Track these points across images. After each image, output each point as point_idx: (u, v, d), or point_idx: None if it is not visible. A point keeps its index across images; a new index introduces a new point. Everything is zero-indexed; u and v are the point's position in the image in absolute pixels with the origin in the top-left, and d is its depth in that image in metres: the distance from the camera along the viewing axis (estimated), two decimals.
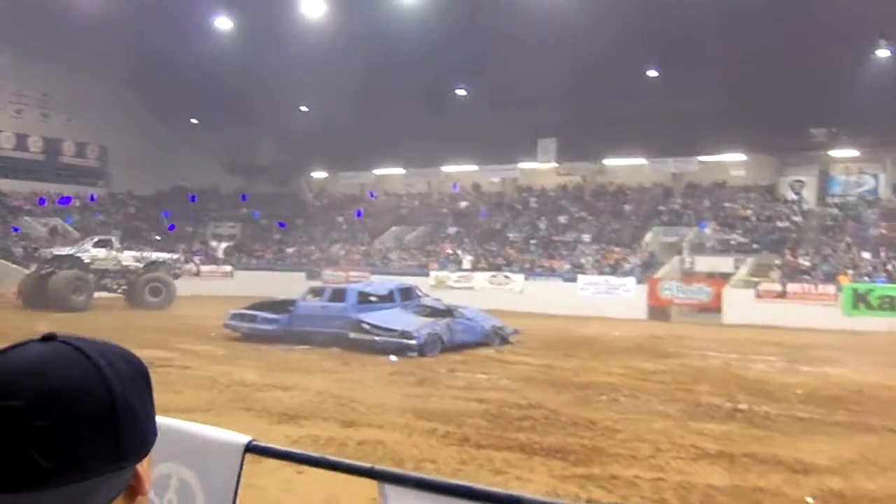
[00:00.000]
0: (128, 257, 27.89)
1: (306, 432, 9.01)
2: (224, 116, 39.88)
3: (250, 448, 2.67)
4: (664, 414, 10.68)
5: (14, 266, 30.70)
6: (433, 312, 18.35)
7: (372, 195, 42.69)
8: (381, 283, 20.93)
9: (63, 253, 27.15)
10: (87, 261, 26.63)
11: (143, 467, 0.86)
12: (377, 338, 16.71)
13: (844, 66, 27.50)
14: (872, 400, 11.95)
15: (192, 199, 43.44)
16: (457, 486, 2.26)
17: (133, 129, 39.29)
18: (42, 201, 37.88)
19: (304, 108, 40.23)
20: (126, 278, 27.51)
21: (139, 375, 0.88)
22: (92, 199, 40.27)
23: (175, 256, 30.43)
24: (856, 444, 9.00)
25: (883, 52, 29.05)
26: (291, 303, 19.07)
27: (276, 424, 9.45)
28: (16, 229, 34.74)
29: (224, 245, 39.35)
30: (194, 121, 42.30)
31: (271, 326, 18.23)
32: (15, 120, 38.91)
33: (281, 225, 41.68)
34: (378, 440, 8.71)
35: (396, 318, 17.40)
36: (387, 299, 18.61)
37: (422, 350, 16.40)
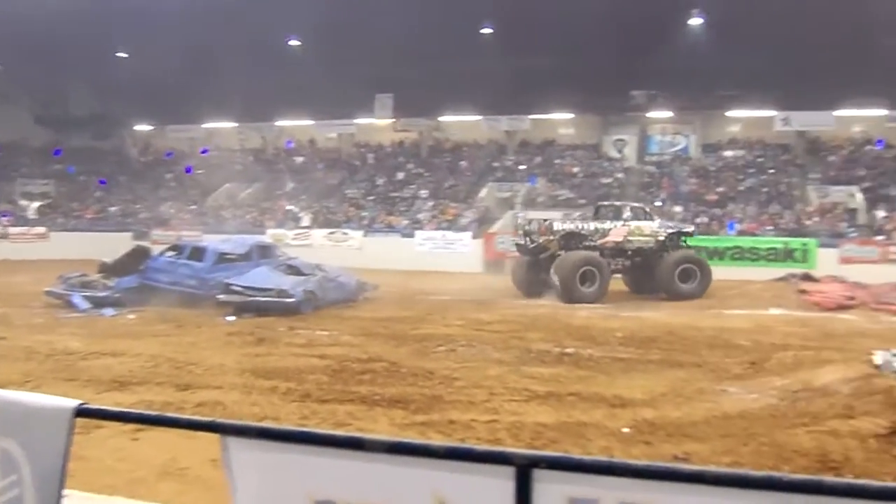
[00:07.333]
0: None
1: (139, 398, 8.67)
2: (30, 63, 36.15)
3: (81, 412, 2.54)
4: (499, 361, 11.18)
5: None
6: (300, 270, 17.80)
7: (204, 151, 40.45)
8: (239, 241, 19.65)
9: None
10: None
11: None
12: (251, 298, 16.05)
13: (663, 33, 29.24)
14: (682, 340, 13.18)
15: None
16: (299, 433, 2.32)
17: None
18: None
19: (122, 55, 37.30)
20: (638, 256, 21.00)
21: None
22: None
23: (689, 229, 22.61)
24: (666, 378, 9.93)
25: (695, 21, 31.22)
26: (139, 262, 17.78)
27: (105, 393, 9.00)
28: None
29: (36, 204, 35.98)
30: None
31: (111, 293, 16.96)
32: None
33: (102, 182, 38.72)
34: (217, 401, 8.55)
35: (268, 278, 16.78)
36: (246, 258, 17.83)
37: (297, 309, 15.99)
